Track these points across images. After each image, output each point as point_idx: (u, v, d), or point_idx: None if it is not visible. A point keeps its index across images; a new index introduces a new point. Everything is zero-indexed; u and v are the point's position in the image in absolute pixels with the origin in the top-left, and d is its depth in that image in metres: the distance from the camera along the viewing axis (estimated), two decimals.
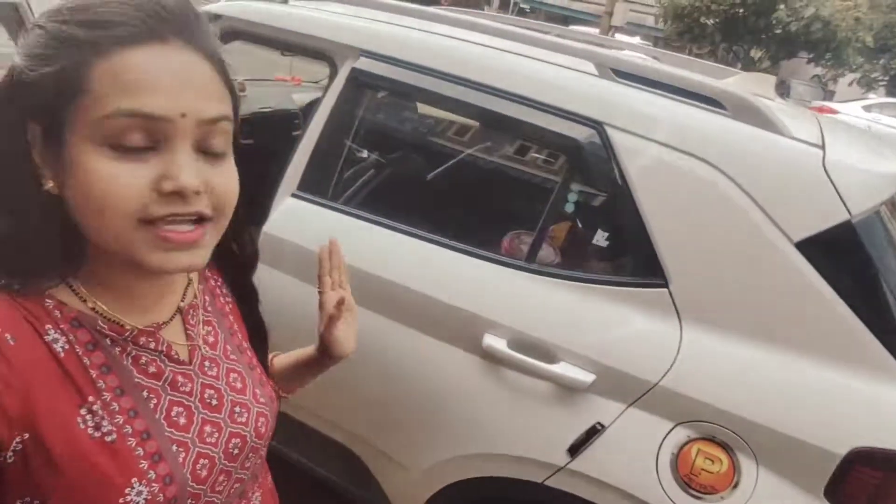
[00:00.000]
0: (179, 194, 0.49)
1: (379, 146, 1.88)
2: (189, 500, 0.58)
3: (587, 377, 1.21)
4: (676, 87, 1.31)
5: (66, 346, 0.53)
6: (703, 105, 1.27)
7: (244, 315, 0.75)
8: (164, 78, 0.49)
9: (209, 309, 0.69)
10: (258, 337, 0.76)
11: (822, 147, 1.18)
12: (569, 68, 1.35)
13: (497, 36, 1.47)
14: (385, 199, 1.58)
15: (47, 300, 0.53)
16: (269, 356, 0.82)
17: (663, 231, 1.20)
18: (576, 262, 1.45)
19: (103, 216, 0.49)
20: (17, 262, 0.52)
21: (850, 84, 13.09)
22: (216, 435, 0.62)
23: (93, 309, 0.55)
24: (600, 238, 1.33)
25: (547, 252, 1.41)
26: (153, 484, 0.54)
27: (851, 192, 1.12)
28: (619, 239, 1.31)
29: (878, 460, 1.05)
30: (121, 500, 0.52)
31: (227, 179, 0.54)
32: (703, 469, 1.14)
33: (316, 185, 1.51)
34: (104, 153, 0.48)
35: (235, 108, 0.57)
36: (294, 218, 1.48)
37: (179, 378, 0.61)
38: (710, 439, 1.14)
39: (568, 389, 1.24)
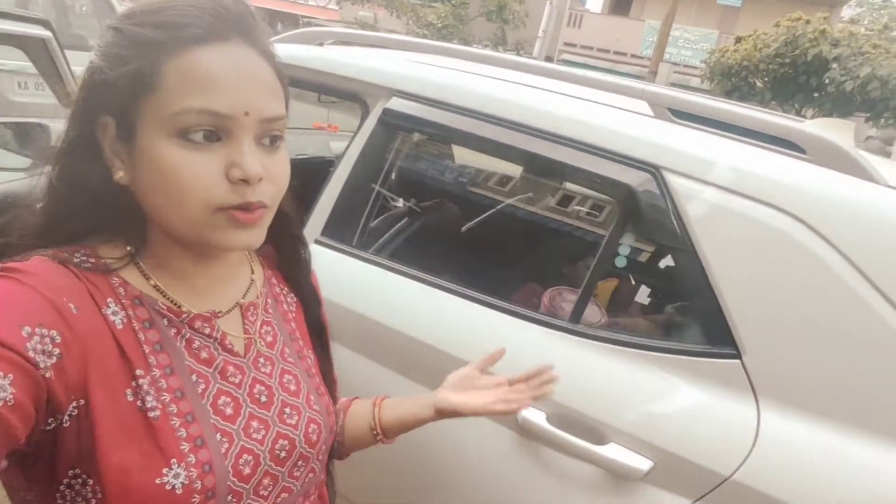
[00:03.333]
0: (246, 181, 0.53)
1: (411, 192, 1.77)
2: (230, 497, 0.57)
3: (643, 464, 1.01)
4: (743, 128, 1.15)
5: (125, 321, 0.55)
6: (777, 148, 1.10)
7: (306, 318, 0.76)
8: (229, 77, 0.53)
9: (270, 311, 0.70)
10: (320, 342, 0.77)
11: None
12: (620, 108, 1.22)
13: (540, 75, 1.35)
14: (415, 249, 1.45)
15: (114, 278, 0.56)
16: (378, 398, 0.86)
17: (734, 290, 1.02)
18: (628, 324, 1.26)
19: (182, 203, 0.53)
20: (84, 240, 0.57)
21: None
22: (263, 432, 0.61)
23: (155, 286, 0.59)
24: (657, 297, 1.15)
25: (593, 312, 1.24)
26: (192, 469, 0.54)
27: None
28: (681, 298, 1.13)
29: None
30: (157, 481, 0.52)
31: (283, 167, 0.59)
32: None
33: (341, 232, 1.39)
34: (174, 144, 0.52)
35: (286, 100, 0.60)
36: (316, 265, 1.36)
37: (230, 368, 0.61)
38: None
39: (620, 477, 1.04)
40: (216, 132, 0.53)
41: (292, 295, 0.76)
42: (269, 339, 0.68)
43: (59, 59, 1.54)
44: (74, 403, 0.50)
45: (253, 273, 0.70)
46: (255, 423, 0.61)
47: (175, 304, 0.59)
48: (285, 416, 0.64)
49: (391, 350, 1.25)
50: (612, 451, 1.03)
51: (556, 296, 1.36)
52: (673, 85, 18.15)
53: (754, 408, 0.99)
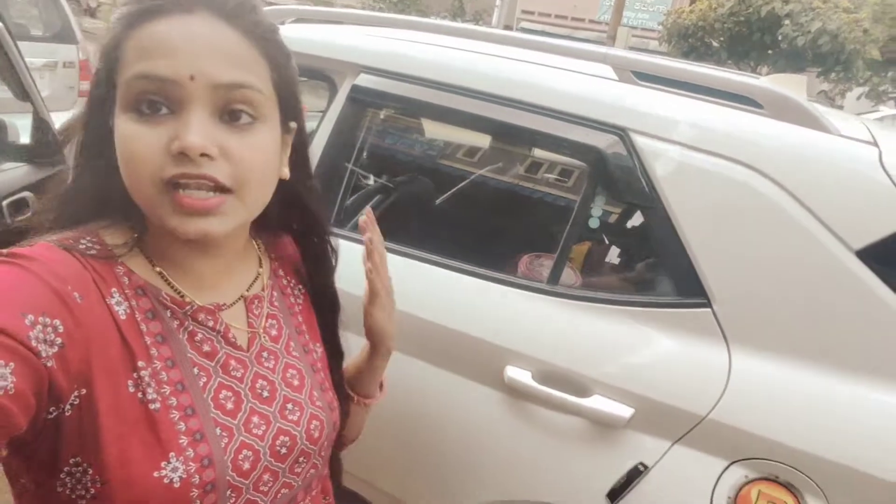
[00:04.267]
0: (185, 154, 0.50)
1: (385, 168, 1.78)
2: (229, 491, 0.57)
3: (625, 412, 1.07)
4: (704, 86, 1.20)
5: (128, 311, 0.55)
6: (736, 104, 1.15)
7: (319, 323, 0.74)
8: (177, 42, 0.51)
9: (276, 304, 0.69)
10: (331, 351, 0.75)
11: (876, 144, 1.06)
12: (585, 74, 1.25)
13: (506, 44, 1.37)
14: (392, 223, 1.47)
15: (118, 266, 0.56)
16: None
17: (701, 243, 1.08)
18: (604, 282, 1.31)
19: (131, 177, 0.52)
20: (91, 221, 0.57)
21: (859, 98, 12.94)
22: (263, 427, 0.61)
23: (160, 274, 0.58)
24: (630, 255, 1.20)
25: (570, 273, 1.29)
26: (190, 463, 0.53)
27: None
28: (652, 254, 1.19)
29: None
30: (155, 474, 0.52)
31: (248, 149, 0.54)
32: None
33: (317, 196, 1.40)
34: (128, 119, 0.51)
35: (284, 81, 0.57)
36: None
37: (232, 362, 0.61)
38: (773, 479, 1.00)
39: (604, 426, 1.10)
40: (164, 102, 0.51)
41: (300, 287, 0.75)
42: (274, 332, 0.67)
43: (13, 52, 1.49)
44: (76, 393, 0.50)
45: (260, 266, 0.69)
46: (255, 419, 0.60)
47: (179, 294, 0.59)
48: (287, 411, 0.63)
49: None
50: (596, 403, 1.09)
51: (533, 260, 1.41)
52: (632, 48, 18.25)
53: (725, 351, 1.05)
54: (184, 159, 0.51)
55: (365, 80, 1.39)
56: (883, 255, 0.98)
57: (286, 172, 0.63)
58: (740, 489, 1.01)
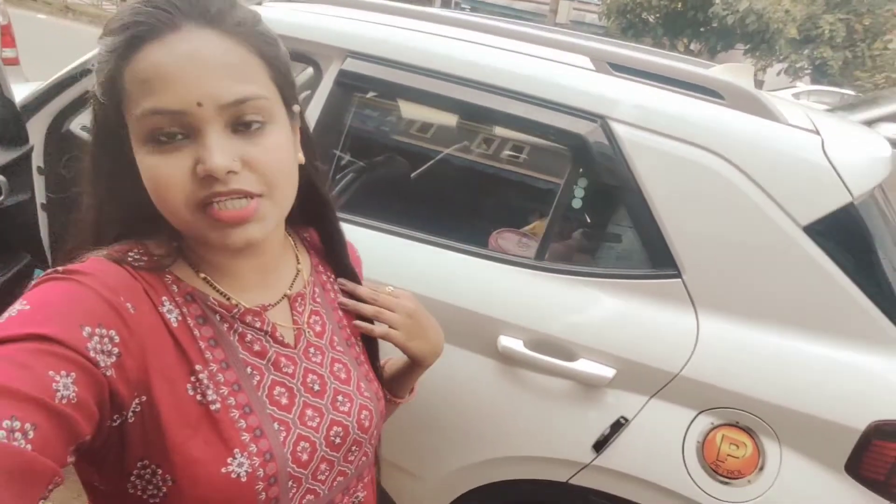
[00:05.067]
0: (213, 177, 0.51)
1: (374, 150, 1.82)
2: (290, 482, 0.59)
3: (608, 372, 1.20)
4: (672, 78, 1.32)
5: (180, 318, 0.57)
6: (700, 95, 1.28)
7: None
8: (173, 70, 0.51)
9: (318, 300, 0.71)
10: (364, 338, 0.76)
11: (819, 133, 1.21)
12: (566, 63, 1.35)
13: (490, 33, 1.44)
14: (383, 203, 1.54)
15: (166, 275, 0.58)
16: (382, 361, 0.83)
17: (673, 221, 1.21)
18: (587, 257, 1.44)
19: (164, 205, 0.54)
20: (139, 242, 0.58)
21: (778, 74, 13.77)
22: (317, 419, 0.63)
23: (205, 279, 0.60)
24: (609, 231, 1.33)
25: (556, 248, 1.40)
26: (254, 457, 0.56)
27: (852, 175, 1.15)
28: (629, 231, 1.31)
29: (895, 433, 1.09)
30: (223, 470, 0.54)
31: (267, 152, 0.55)
32: (728, 455, 1.15)
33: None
34: (148, 151, 0.52)
35: (280, 74, 0.58)
36: None
37: (283, 359, 0.63)
38: (734, 425, 1.16)
39: (589, 386, 1.23)
40: (179, 131, 0.52)
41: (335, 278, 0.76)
42: (318, 328, 0.68)
43: None
44: (137, 400, 0.52)
45: (299, 263, 0.70)
46: (309, 412, 0.62)
47: (226, 298, 0.60)
48: (338, 403, 0.65)
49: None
50: (582, 365, 1.22)
51: (521, 237, 1.51)
52: (572, 21, 18.50)
53: (693, 316, 1.20)
54: (211, 180, 0.52)
55: (352, 65, 1.43)
56: (825, 230, 1.14)
57: (301, 157, 0.64)
58: (707, 434, 1.17)
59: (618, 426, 1.20)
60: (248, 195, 0.54)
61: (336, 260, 0.77)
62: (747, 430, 1.15)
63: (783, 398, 1.13)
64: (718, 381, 1.16)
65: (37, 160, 1.81)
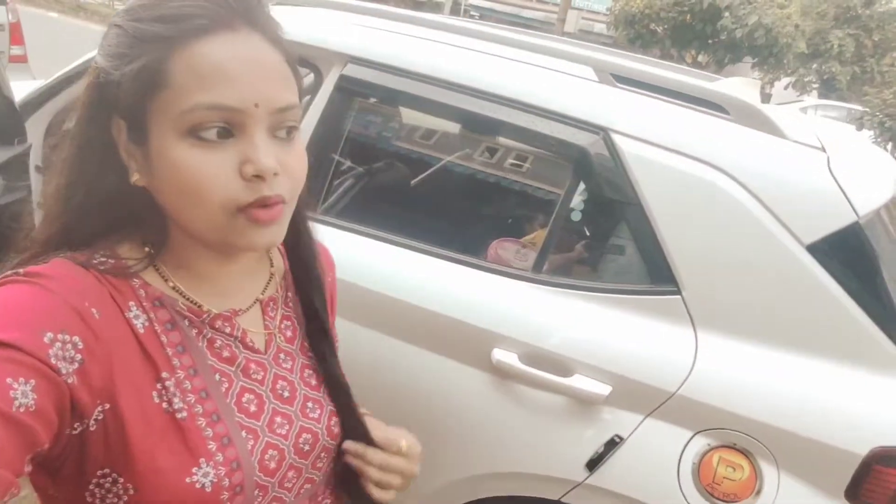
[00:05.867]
0: (261, 177, 0.52)
1: (373, 157, 1.81)
2: (256, 491, 0.58)
3: (603, 389, 1.18)
4: (676, 91, 1.30)
5: (146, 324, 0.55)
6: (705, 109, 1.26)
7: (306, 316, 0.69)
8: (237, 69, 0.51)
9: (290, 305, 0.69)
10: (325, 340, 0.69)
11: (824, 150, 1.19)
12: (569, 74, 1.33)
13: (493, 42, 1.43)
14: (381, 212, 1.52)
15: (134, 279, 0.56)
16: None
17: (673, 236, 1.19)
18: (585, 271, 1.42)
19: (197, 205, 0.52)
20: (106, 247, 0.56)
21: (786, 87, 13.76)
22: (286, 427, 0.62)
23: (174, 288, 0.58)
24: (608, 245, 1.31)
25: (553, 261, 1.38)
26: (220, 467, 0.55)
27: (857, 193, 1.13)
28: (629, 245, 1.29)
29: None
30: (187, 480, 0.53)
31: (297, 159, 0.56)
32: (725, 477, 1.12)
33: (305, 200, 1.43)
34: (187, 144, 0.51)
35: (300, 87, 0.58)
36: None
37: (252, 365, 0.61)
38: (731, 447, 1.13)
39: (584, 403, 1.20)
40: (228, 128, 0.51)
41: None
42: (289, 333, 0.67)
43: None
44: (100, 407, 0.50)
45: (272, 266, 0.69)
46: (278, 419, 0.61)
47: (195, 304, 0.59)
48: (308, 410, 0.64)
49: (368, 310, 1.32)
50: (578, 381, 1.19)
51: (519, 249, 1.49)
52: (580, 31, 18.54)
53: (692, 334, 1.18)
54: (257, 182, 0.52)
55: (354, 71, 1.42)
56: (829, 250, 1.12)
57: None
58: (703, 455, 1.14)
59: (612, 444, 1.18)
60: (283, 200, 0.54)
61: (300, 264, 0.69)
62: (745, 453, 1.13)
63: (782, 421, 1.10)
64: (716, 402, 1.13)
65: (35, 159, 1.81)
